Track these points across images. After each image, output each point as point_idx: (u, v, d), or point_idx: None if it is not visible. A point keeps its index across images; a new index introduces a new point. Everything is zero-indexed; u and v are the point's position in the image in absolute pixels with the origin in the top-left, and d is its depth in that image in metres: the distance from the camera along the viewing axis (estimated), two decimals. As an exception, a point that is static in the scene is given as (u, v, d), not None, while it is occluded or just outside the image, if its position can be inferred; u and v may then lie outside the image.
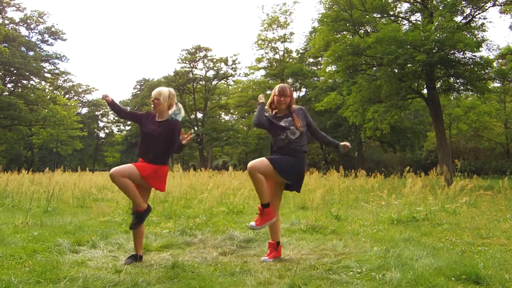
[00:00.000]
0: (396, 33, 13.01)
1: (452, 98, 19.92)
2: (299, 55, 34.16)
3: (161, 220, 5.65)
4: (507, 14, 15.76)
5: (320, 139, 3.74)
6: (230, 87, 42.48)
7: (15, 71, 31.71)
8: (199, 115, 41.64)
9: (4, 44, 29.80)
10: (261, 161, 3.28)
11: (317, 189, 8.24)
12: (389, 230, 4.78)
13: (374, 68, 16.60)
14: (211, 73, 40.52)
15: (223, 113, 45.09)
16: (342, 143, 3.66)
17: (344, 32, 16.62)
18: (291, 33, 33.79)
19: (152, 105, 3.48)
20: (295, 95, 34.49)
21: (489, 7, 14.19)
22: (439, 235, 4.45)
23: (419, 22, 15.67)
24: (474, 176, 10.43)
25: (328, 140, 3.71)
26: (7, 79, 33.92)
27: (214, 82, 41.42)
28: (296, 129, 3.42)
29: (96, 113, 54.95)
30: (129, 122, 56.56)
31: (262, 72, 34.55)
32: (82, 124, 41.75)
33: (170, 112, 3.50)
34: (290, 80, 33.15)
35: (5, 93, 31.19)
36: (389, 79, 14.42)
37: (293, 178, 3.41)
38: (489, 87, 15.18)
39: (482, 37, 13.93)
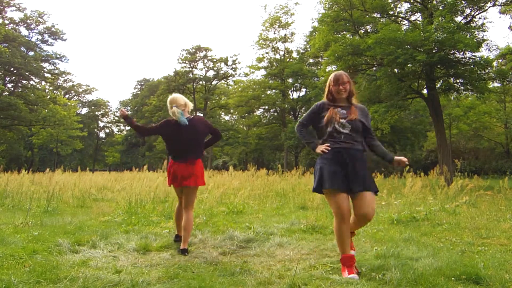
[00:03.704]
0: (395, 33, 13.00)
1: (452, 98, 19.90)
2: (299, 55, 34.17)
3: (161, 220, 5.65)
4: (507, 14, 15.76)
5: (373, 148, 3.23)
6: (230, 87, 42.49)
7: (15, 71, 31.71)
8: (199, 115, 41.65)
9: (4, 44, 29.79)
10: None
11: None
12: (389, 230, 4.78)
13: (374, 68, 16.59)
14: (211, 73, 40.56)
15: (223, 113, 45.11)
16: (396, 158, 3.11)
17: (344, 32, 16.61)
18: (292, 33, 33.81)
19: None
20: (295, 95, 34.48)
21: (489, 7, 14.20)
22: (439, 235, 4.45)
23: (419, 22, 15.67)
24: (474, 176, 10.43)
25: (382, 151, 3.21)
26: (7, 79, 33.91)
27: (214, 82, 41.42)
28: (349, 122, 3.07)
29: (96, 113, 55.01)
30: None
31: (263, 71, 34.59)
32: (82, 124, 41.77)
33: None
34: (290, 80, 33.15)
35: (5, 93, 31.18)
36: (389, 79, 14.41)
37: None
38: (489, 87, 15.17)
39: (482, 37, 13.93)
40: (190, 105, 4.12)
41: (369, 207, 2.94)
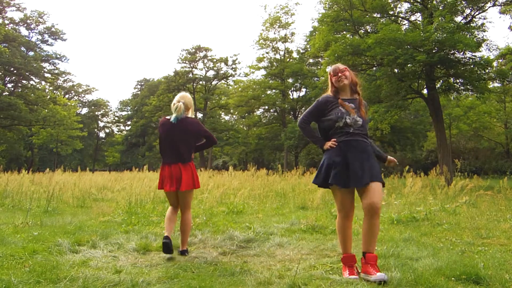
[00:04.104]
0: (395, 33, 13.01)
1: (452, 98, 19.92)
2: (299, 55, 34.16)
3: (161, 220, 5.65)
4: (507, 14, 15.80)
5: None
6: (230, 87, 42.49)
7: (15, 71, 31.72)
8: (199, 115, 41.69)
9: (4, 44, 29.79)
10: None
11: (317, 189, 8.24)
12: (389, 230, 4.78)
13: (374, 68, 16.60)
14: (211, 73, 40.56)
15: (223, 113, 45.09)
16: (389, 158, 3.29)
17: (344, 32, 16.62)
18: (292, 33, 33.80)
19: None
20: (295, 95, 34.47)
21: (489, 7, 14.22)
22: (439, 235, 4.45)
23: (419, 22, 15.67)
24: (474, 176, 10.44)
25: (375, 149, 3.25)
26: (7, 79, 33.92)
27: (214, 82, 41.43)
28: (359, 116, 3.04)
29: (96, 113, 55.03)
30: (128, 122, 56.70)
31: (263, 71, 34.58)
32: (82, 124, 41.75)
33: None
34: (290, 80, 33.16)
35: (5, 93, 31.19)
36: (389, 79, 14.41)
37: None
38: (489, 87, 15.18)
39: (482, 37, 13.94)
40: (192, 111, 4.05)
41: (375, 197, 2.82)
